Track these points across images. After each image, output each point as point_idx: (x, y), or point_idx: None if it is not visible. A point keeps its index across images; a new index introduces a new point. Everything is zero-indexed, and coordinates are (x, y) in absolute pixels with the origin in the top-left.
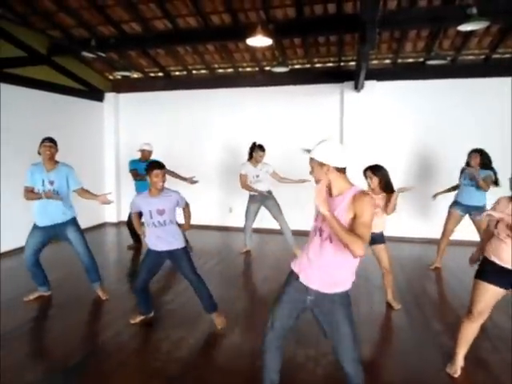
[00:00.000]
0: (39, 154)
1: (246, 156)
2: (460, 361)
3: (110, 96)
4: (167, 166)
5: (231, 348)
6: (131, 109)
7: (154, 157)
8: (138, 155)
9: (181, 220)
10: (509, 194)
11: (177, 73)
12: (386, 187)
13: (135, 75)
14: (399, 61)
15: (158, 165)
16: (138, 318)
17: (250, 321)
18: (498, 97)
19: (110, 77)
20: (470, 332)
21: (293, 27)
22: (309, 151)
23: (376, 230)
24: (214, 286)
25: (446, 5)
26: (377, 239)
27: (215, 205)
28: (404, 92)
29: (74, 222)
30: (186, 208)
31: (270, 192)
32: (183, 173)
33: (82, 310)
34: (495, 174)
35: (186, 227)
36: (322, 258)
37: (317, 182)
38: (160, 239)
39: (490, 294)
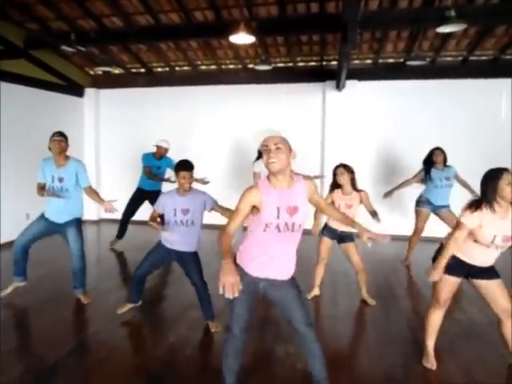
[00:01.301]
0: (50, 149)
1: (230, 154)
2: (431, 350)
3: (90, 91)
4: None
5: (212, 346)
6: (112, 105)
7: (130, 152)
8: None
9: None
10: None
11: (159, 69)
12: (355, 185)
13: (116, 71)
14: (380, 61)
15: (187, 166)
16: (127, 307)
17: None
18: (474, 97)
19: (91, 72)
20: (436, 320)
21: (275, 25)
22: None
23: (345, 228)
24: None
25: (425, 7)
26: (346, 238)
27: None
28: (384, 92)
29: (77, 222)
30: (219, 208)
31: None
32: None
33: (62, 307)
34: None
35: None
36: (288, 250)
37: (272, 165)
38: (175, 238)
39: (451, 284)
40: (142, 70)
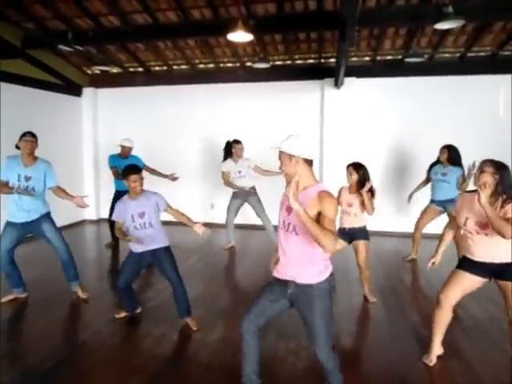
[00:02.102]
0: (17, 148)
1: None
2: (436, 349)
3: (88, 91)
4: (147, 163)
5: (212, 344)
6: (110, 104)
7: (134, 152)
8: (118, 150)
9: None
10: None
11: (157, 68)
12: (362, 186)
13: (114, 70)
14: (378, 58)
15: (134, 169)
16: (123, 314)
17: (232, 317)
18: (473, 94)
19: (88, 71)
20: (440, 318)
21: (273, 23)
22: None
23: (355, 224)
24: (196, 283)
25: (423, 3)
26: (357, 235)
27: (197, 201)
28: (383, 89)
29: (48, 216)
30: (171, 210)
31: (253, 188)
32: (164, 169)
33: (60, 309)
34: (463, 170)
35: (192, 226)
36: (291, 250)
37: (286, 175)
38: (141, 241)
39: (465, 281)
40: (140, 69)
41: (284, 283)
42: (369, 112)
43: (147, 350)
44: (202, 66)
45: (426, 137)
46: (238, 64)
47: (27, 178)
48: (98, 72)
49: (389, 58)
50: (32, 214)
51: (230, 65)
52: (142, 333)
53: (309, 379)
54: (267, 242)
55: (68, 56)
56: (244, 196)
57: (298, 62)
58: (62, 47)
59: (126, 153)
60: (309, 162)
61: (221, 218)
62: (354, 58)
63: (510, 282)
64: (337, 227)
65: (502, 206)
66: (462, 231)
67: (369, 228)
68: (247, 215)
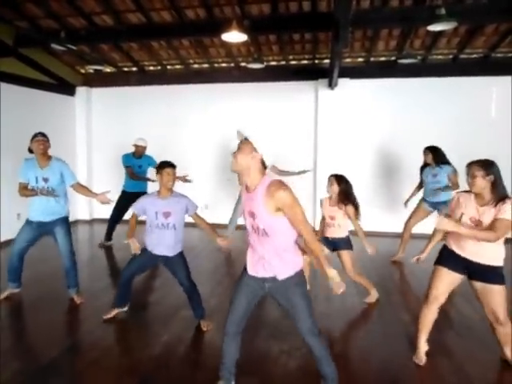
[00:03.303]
0: (30, 151)
1: (223, 152)
2: (423, 346)
3: (81, 90)
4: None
5: (205, 344)
6: (104, 104)
7: (126, 151)
8: (109, 151)
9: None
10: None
11: (151, 68)
12: (344, 199)
13: (108, 69)
14: (372, 59)
15: (170, 163)
16: (113, 312)
17: (224, 316)
18: (465, 95)
19: (82, 70)
20: (427, 318)
21: (268, 23)
22: (241, 135)
23: (338, 235)
24: None
25: (416, 5)
26: (340, 245)
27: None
28: (376, 90)
29: (65, 221)
30: (198, 218)
31: None
32: None
33: (53, 309)
34: (452, 167)
35: (214, 237)
36: (267, 251)
37: (235, 165)
38: (160, 242)
39: (447, 278)
40: (134, 69)
41: (260, 280)
42: (362, 113)
43: (139, 351)
44: (196, 66)
45: (419, 138)
46: (232, 64)
47: (45, 180)
48: (91, 71)
49: (382, 59)
50: (49, 215)
51: (224, 65)
52: (135, 334)
53: (301, 379)
54: None
55: (61, 55)
56: None
57: (293, 62)
58: (54, 46)
59: (139, 152)
60: (263, 165)
61: (214, 219)
62: (348, 59)
63: (483, 283)
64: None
65: (495, 206)
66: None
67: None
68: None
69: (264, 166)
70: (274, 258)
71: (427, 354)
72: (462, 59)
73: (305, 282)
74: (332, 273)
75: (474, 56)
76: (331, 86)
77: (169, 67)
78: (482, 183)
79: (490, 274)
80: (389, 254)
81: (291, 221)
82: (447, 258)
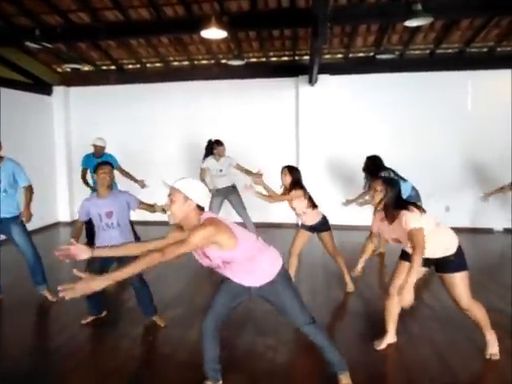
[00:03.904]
0: None
1: (203, 151)
2: (390, 337)
3: (59, 90)
4: (122, 163)
5: (191, 343)
6: (82, 103)
7: (109, 152)
8: (91, 150)
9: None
10: None
11: (130, 66)
12: (296, 186)
13: (86, 68)
14: (351, 55)
15: (104, 163)
16: (90, 318)
17: (194, 314)
18: (442, 90)
19: (59, 69)
20: (392, 307)
21: (247, 20)
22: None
23: (312, 221)
24: (173, 282)
25: (393, 1)
26: (318, 228)
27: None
28: (356, 85)
29: (17, 219)
30: (144, 205)
31: (234, 186)
32: (139, 169)
33: (34, 314)
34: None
35: (158, 209)
36: (236, 274)
37: (172, 216)
38: (109, 243)
39: (404, 271)
40: (113, 67)
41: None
42: (343, 108)
43: (124, 352)
44: (176, 63)
45: (398, 131)
46: (212, 61)
47: None
48: (68, 70)
49: (361, 55)
50: (3, 212)
51: (204, 62)
52: (118, 334)
53: (288, 374)
54: None
55: (36, 53)
56: (225, 193)
57: (273, 59)
58: (28, 44)
59: (99, 152)
60: (200, 208)
61: None
62: (328, 56)
63: (445, 273)
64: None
65: (392, 219)
66: None
67: (338, 223)
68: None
69: (200, 208)
70: (247, 276)
71: (410, 343)
72: (438, 54)
73: (288, 276)
74: None
75: (450, 51)
76: (311, 82)
77: (148, 65)
78: (380, 197)
79: (448, 264)
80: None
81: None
82: (408, 253)
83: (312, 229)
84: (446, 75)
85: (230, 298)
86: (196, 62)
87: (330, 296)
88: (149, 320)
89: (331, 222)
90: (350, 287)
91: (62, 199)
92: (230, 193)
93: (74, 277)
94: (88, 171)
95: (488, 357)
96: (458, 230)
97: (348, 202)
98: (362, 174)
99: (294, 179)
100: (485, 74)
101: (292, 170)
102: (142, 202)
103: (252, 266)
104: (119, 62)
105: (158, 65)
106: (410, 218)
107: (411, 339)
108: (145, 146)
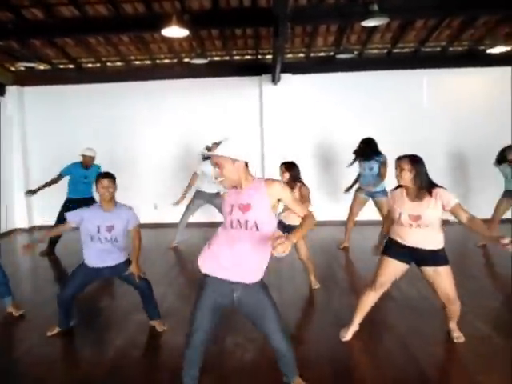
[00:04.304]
0: None
1: (168, 150)
2: (355, 327)
3: (12, 89)
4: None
5: (159, 346)
6: (39, 104)
7: (65, 155)
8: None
9: None
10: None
11: (89, 65)
12: (295, 182)
13: (41, 67)
14: (312, 55)
15: (108, 175)
16: (56, 330)
17: (178, 318)
18: (399, 88)
19: (12, 68)
20: (369, 301)
21: (209, 18)
22: (208, 150)
23: (291, 222)
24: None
25: (351, 1)
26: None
27: (139, 202)
28: (318, 84)
29: None
30: (136, 233)
31: (218, 192)
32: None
33: None
34: (383, 158)
35: (134, 263)
36: (246, 248)
37: (225, 181)
38: (103, 255)
39: (392, 267)
40: (71, 66)
41: (229, 287)
42: (305, 107)
43: (91, 359)
44: (137, 62)
45: (359, 129)
46: (175, 60)
47: None
48: (22, 69)
49: (322, 54)
50: None
51: (166, 61)
52: (85, 342)
53: (256, 371)
54: None
55: None
56: (208, 198)
57: (236, 58)
58: None
59: (87, 162)
60: (247, 166)
61: (164, 219)
62: (290, 55)
63: (432, 267)
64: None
65: (426, 197)
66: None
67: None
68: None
69: (247, 166)
70: (253, 257)
71: (374, 332)
72: (395, 53)
73: (267, 287)
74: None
75: (406, 50)
76: (274, 81)
77: (108, 64)
78: (409, 176)
79: (434, 258)
80: (335, 241)
81: (289, 203)
82: (392, 248)
83: (287, 229)
84: (402, 74)
85: (212, 311)
86: (158, 61)
87: (296, 291)
88: (125, 327)
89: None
90: (315, 284)
91: (19, 205)
92: (213, 198)
93: (35, 285)
94: (69, 179)
95: (455, 340)
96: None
97: (348, 189)
98: (323, 170)
99: (292, 175)
100: (438, 72)
101: (289, 167)
102: (137, 228)
103: (264, 248)
104: (77, 60)
105: (118, 64)
106: (451, 195)
107: (375, 328)
108: (106, 148)
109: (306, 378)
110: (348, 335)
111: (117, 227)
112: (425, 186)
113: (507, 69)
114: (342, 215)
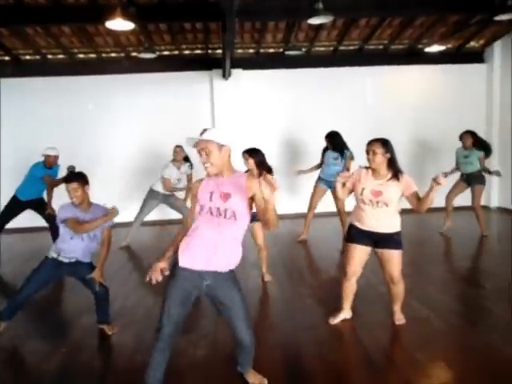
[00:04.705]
0: None
1: (118, 147)
2: (346, 313)
3: None
4: (23, 167)
5: (111, 349)
6: None
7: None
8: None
9: None
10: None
11: (27, 57)
12: (261, 167)
13: None
14: (262, 51)
15: (73, 178)
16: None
17: (128, 319)
18: (345, 84)
19: None
20: (348, 290)
21: (155, 12)
22: (192, 138)
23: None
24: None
25: None
26: (256, 217)
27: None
28: (267, 80)
29: None
30: (107, 236)
31: (173, 194)
32: None
33: None
34: (349, 151)
35: (98, 269)
36: (223, 237)
37: (210, 167)
38: (72, 250)
39: (358, 252)
40: (7, 58)
41: (199, 276)
42: (256, 102)
43: (35, 366)
44: (82, 55)
45: (309, 124)
46: (122, 54)
47: None
48: None
49: (271, 50)
50: None
51: (113, 55)
52: (27, 350)
53: (209, 366)
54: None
55: None
56: (163, 198)
57: (186, 52)
58: None
59: (50, 163)
60: (230, 155)
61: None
62: (240, 50)
63: (385, 249)
64: None
65: (391, 179)
66: (357, 203)
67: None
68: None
69: (230, 155)
70: (227, 246)
71: (325, 320)
72: (341, 51)
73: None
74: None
75: (351, 48)
76: (225, 76)
77: (49, 56)
78: (381, 159)
79: (391, 241)
80: (290, 234)
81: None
82: (355, 235)
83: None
84: (348, 71)
85: (183, 303)
86: (104, 55)
87: (248, 284)
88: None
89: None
90: (268, 277)
91: None
92: (168, 198)
93: None
94: (26, 179)
95: (397, 322)
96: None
97: (300, 172)
98: (278, 164)
99: (259, 160)
100: (381, 69)
101: (251, 153)
102: (110, 231)
103: (239, 239)
104: (14, 52)
105: (60, 56)
106: (412, 182)
107: (325, 317)
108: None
109: (259, 370)
110: (336, 319)
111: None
112: (397, 168)
113: (443, 66)
114: (300, 208)
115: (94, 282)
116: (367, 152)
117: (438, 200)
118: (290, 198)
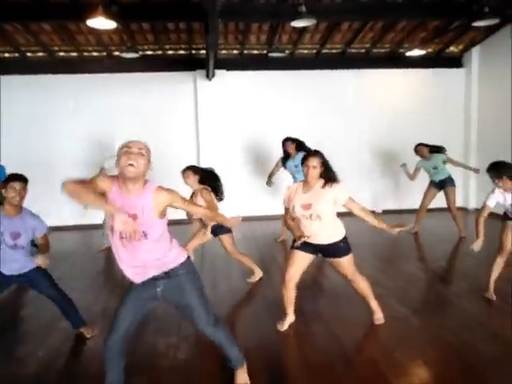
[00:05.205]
0: None
1: (97, 148)
2: (290, 318)
3: None
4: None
5: (88, 353)
6: None
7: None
8: None
9: None
10: None
11: (6, 54)
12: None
13: None
14: (245, 52)
15: (19, 177)
16: None
17: (109, 321)
18: (327, 87)
19: None
20: (287, 294)
21: (138, 11)
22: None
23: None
24: (71, 289)
25: (281, 1)
26: (218, 230)
27: (67, 203)
28: (251, 81)
29: None
30: (43, 241)
31: None
32: (22, 169)
33: None
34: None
35: (41, 256)
36: (145, 254)
37: (134, 167)
38: (9, 261)
39: (300, 259)
40: None
41: (152, 282)
42: (239, 103)
43: (10, 375)
44: (62, 54)
45: (291, 126)
46: (104, 53)
47: None
48: None
49: (255, 52)
50: None
51: (95, 54)
52: (2, 357)
53: (189, 370)
54: None
55: None
56: None
57: (169, 52)
58: None
59: None
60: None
61: (95, 220)
62: (224, 51)
63: (332, 258)
64: None
65: (323, 187)
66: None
67: (244, 214)
68: None
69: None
70: (154, 254)
71: (304, 320)
72: (323, 54)
73: (195, 270)
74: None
75: (334, 51)
76: (209, 77)
77: (28, 54)
78: (318, 172)
79: (335, 250)
80: (271, 235)
81: (183, 207)
82: (300, 244)
83: (213, 231)
84: (330, 73)
85: (136, 308)
86: (86, 54)
87: (231, 286)
88: (47, 337)
89: (241, 213)
90: (258, 273)
91: None
92: None
93: None
94: None
95: (376, 322)
96: (340, 215)
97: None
98: (257, 166)
99: (202, 177)
100: (363, 72)
101: (193, 170)
102: (46, 235)
103: (167, 240)
104: None
105: (40, 54)
106: (342, 191)
107: (304, 317)
108: (29, 147)
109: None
110: (284, 326)
111: (24, 234)
112: (330, 175)
113: (423, 70)
114: (279, 209)
115: (43, 285)
116: (307, 167)
117: (414, 203)
118: (267, 199)
